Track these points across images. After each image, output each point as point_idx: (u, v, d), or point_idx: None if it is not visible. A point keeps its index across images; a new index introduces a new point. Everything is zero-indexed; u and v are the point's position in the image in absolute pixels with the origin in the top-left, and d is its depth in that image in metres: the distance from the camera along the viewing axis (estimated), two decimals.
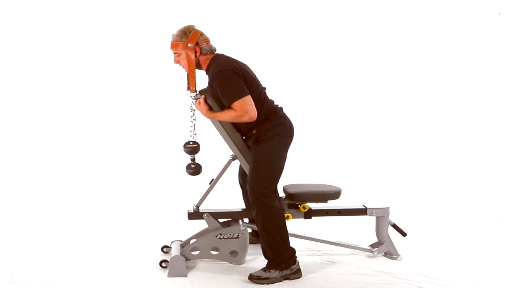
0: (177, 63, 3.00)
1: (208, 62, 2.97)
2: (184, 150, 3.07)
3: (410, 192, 4.85)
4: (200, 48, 2.94)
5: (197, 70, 3.00)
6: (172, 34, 2.97)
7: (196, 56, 2.94)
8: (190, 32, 2.94)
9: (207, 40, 2.97)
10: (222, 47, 3.06)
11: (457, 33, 5.50)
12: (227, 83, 2.85)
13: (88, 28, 5.40)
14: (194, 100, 3.03)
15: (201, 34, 2.96)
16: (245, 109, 2.83)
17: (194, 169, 3.09)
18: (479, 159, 5.29)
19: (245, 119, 2.86)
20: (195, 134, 3.10)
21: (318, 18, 5.58)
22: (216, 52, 3.01)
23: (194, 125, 3.11)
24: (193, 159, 3.10)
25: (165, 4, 5.33)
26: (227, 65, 2.89)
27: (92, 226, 4.00)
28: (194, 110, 3.09)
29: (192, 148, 3.05)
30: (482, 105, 5.46)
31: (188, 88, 3.01)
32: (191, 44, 2.92)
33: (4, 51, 4.36)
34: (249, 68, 3.02)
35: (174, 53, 2.97)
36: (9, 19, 4.93)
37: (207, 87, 3.00)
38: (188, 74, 2.99)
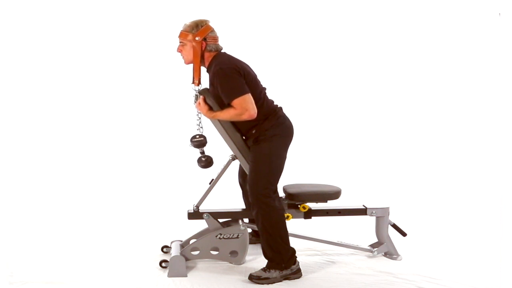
0: (179, 52, 3.01)
1: (210, 59, 2.98)
2: (191, 144, 3.02)
3: (410, 192, 4.84)
4: (206, 44, 2.95)
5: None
6: (184, 24, 2.98)
7: (201, 50, 2.95)
8: (202, 26, 2.95)
9: (215, 38, 2.98)
10: (224, 47, 3.06)
11: (457, 33, 5.50)
12: (228, 80, 2.85)
13: (88, 26, 5.40)
14: (196, 95, 3.00)
15: (212, 30, 2.97)
16: (245, 106, 2.83)
17: (205, 162, 3.03)
18: (479, 159, 5.29)
19: (245, 117, 2.86)
20: (202, 127, 3.07)
21: (318, 18, 5.58)
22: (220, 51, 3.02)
23: (200, 118, 3.08)
24: (202, 152, 3.05)
25: (166, 3, 5.34)
26: (228, 63, 2.89)
27: (92, 226, 4.00)
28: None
29: (198, 141, 3.01)
30: (482, 105, 5.46)
31: (193, 82, 3.01)
32: (199, 37, 2.93)
33: (4, 51, 4.36)
34: (250, 68, 3.03)
35: (180, 42, 2.98)
36: (9, 19, 4.93)
37: (207, 87, 3.00)
38: (193, 68, 2.99)
